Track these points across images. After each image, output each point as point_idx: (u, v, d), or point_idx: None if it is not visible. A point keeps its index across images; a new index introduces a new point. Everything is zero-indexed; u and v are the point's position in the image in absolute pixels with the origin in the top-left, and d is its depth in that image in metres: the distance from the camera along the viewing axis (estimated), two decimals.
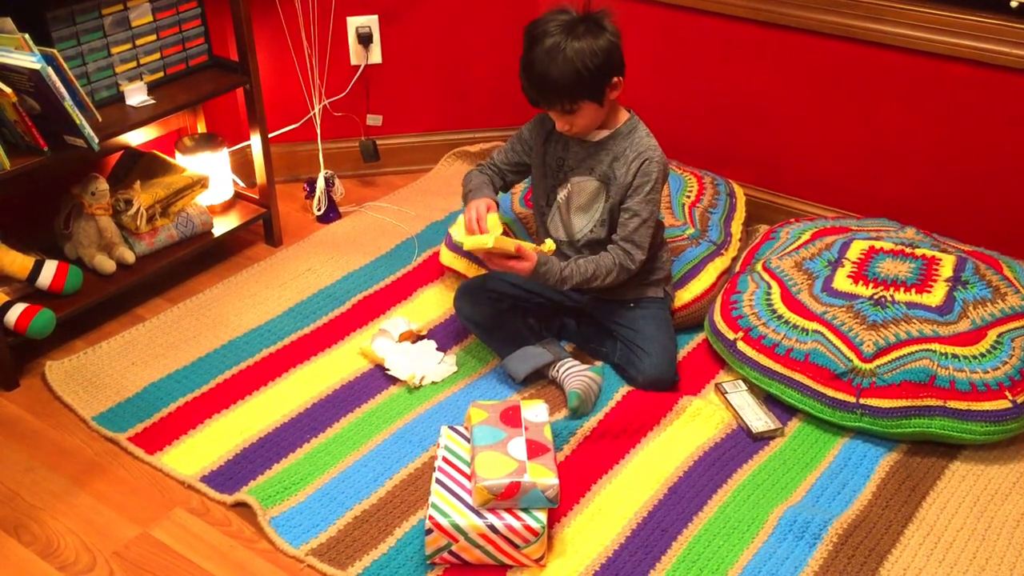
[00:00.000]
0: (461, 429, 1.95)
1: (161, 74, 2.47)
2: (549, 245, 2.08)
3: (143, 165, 2.58)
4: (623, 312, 2.22)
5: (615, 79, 2.04)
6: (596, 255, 2.13)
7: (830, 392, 2.04)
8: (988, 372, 1.98)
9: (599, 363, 2.24)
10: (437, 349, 2.31)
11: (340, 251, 2.71)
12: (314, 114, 2.93)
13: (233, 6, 2.44)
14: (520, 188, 2.63)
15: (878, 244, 2.28)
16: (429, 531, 1.74)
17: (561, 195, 2.20)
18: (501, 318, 2.22)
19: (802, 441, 2.06)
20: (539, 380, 2.20)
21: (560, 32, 1.99)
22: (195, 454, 2.03)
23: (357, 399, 2.18)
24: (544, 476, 1.73)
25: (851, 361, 2.02)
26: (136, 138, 2.59)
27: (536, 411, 1.91)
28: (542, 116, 2.22)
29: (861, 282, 2.17)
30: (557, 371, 2.16)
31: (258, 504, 1.88)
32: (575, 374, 2.12)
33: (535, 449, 1.80)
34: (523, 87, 2.08)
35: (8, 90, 2.03)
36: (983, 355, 2.00)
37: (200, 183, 2.57)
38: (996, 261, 2.26)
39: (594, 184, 2.15)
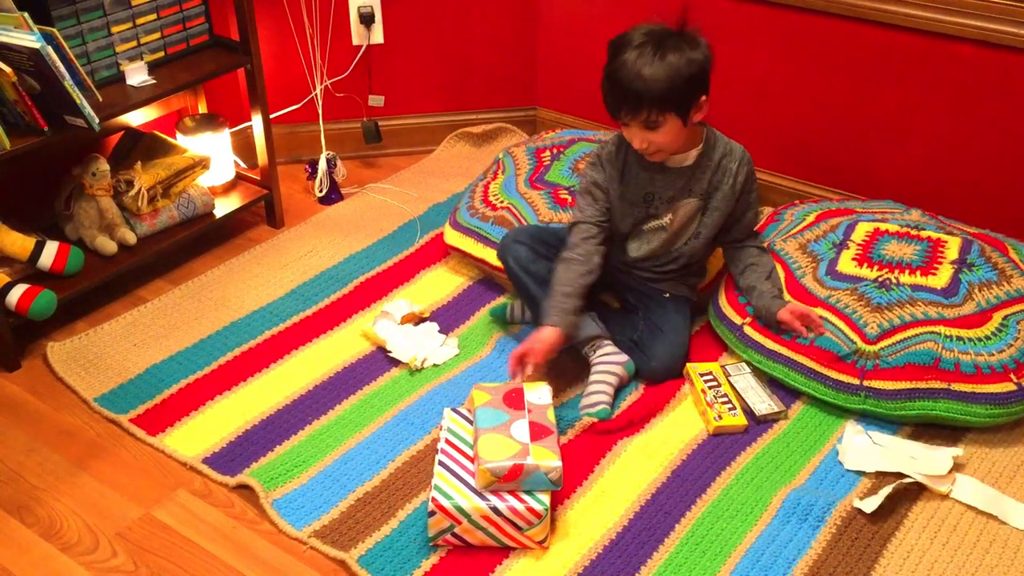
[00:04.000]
0: (464, 411, 1.94)
1: (162, 54, 2.45)
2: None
3: (144, 146, 2.57)
4: (658, 298, 2.20)
5: (703, 98, 1.96)
6: (756, 270, 2.17)
7: (834, 374, 2.03)
8: (993, 354, 1.97)
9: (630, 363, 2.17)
10: (439, 332, 2.30)
11: (342, 233, 2.70)
12: (316, 95, 2.91)
13: None
14: (524, 169, 2.62)
15: (883, 226, 2.26)
16: (432, 513, 1.74)
17: (653, 225, 2.14)
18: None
19: (806, 424, 2.05)
20: (568, 360, 2.16)
21: (652, 39, 1.91)
22: (197, 436, 2.02)
23: (359, 381, 2.17)
24: (547, 458, 1.73)
25: (855, 343, 2.01)
26: (137, 118, 2.57)
27: (539, 394, 1.90)
28: (603, 155, 2.12)
29: (866, 264, 2.16)
30: (594, 351, 2.12)
31: (260, 486, 1.88)
32: (606, 363, 2.09)
33: (538, 431, 1.80)
34: (606, 95, 1.97)
35: (8, 69, 2.02)
36: (988, 337, 1.99)
37: (201, 164, 2.56)
38: (1002, 243, 2.25)
39: (695, 203, 2.11)
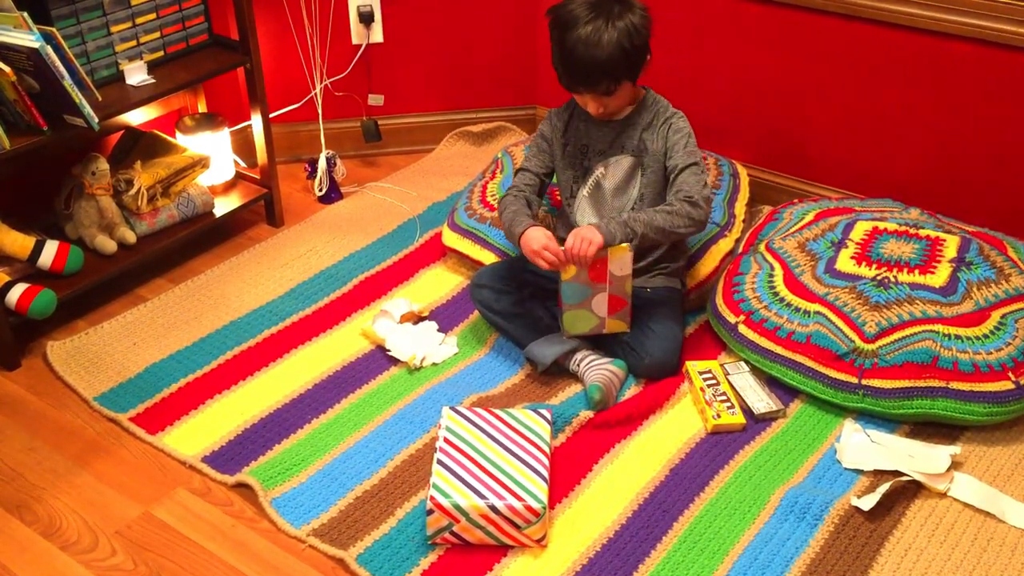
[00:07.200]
0: (463, 410, 1.95)
1: (161, 53, 2.45)
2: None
3: (144, 145, 2.57)
4: (639, 294, 2.19)
5: (648, 57, 2.06)
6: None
7: (832, 373, 2.03)
8: (991, 353, 1.97)
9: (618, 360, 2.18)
10: (438, 330, 2.31)
11: (342, 231, 2.70)
12: (315, 94, 2.91)
13: None
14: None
15: (882, 225, 2.26)
16: (430, 511, 1.74)
17: (588, 184, 2.17)
18: (523, 306, 2.20)
19: (804, 422, 2.05)
20: (560, 372, 2.17)
21: (595, 12, 1.97)
22: (196, 435, 2.03)
23: (358, 380, 2.17)
24: (619, 329, 2.12)
25: (853, 341, 2.02)
26: (136, 118, 2.57)
27: (622, 263, 2.02)
28: (554, 110, 2.22)
29: (864, 263, 2.16)
30: (578, 364, 2.14)
31: (259, 485, 1.89)
32: (596, 367, 2.11)
33: (615, 304, 2.08)
34: (559, 73, 2.06)
35: (7, 69, 2.02)
36: (986, 336, 1.99)
37: (201, 163, 2.56)
38: (1000, 242, 2.25)
39: (629, 160, 2.15)
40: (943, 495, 1.87)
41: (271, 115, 2.75)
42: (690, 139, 2.13)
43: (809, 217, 2.38)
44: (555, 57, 2.06)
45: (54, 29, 2.11)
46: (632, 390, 2.14)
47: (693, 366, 2.15)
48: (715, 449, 1.99)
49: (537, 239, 2.03)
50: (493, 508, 1.73)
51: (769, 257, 2.27)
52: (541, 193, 2.26)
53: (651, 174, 2.15)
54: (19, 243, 2.26)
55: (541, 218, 2.48)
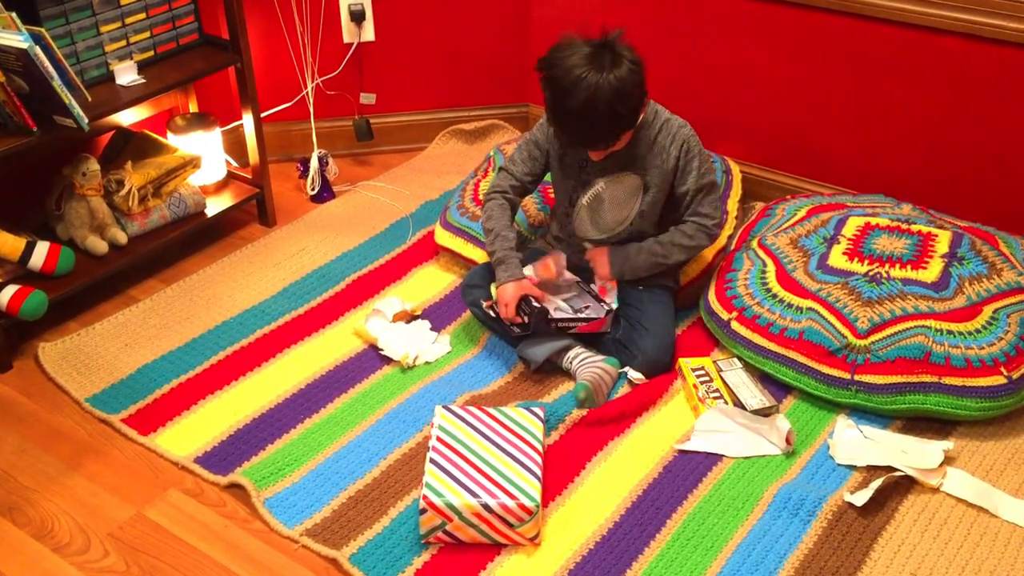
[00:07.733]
0: (456, 408, 1.94)
1: (151, 53, 2.44)
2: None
3: (134, 145, 2.57)
4: (632, 292, 2.20)
5: (645, 100, 2.04)
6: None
7: (825, 369, 2.03)
8: (983, 348, 1.97)
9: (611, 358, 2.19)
10: (431, 329, 2.30)
11: (334, 231, 2.70)
12: (307, 93, 2.91)
13: None
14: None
15: (874, 220, 2.26)
16: (423, 511, 1.74)
17: (588, 195, 2.16)
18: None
19: (797, 418, 2.05)
20: (553, 370, 2.17)
21: (585, 77, 1.92)
22: (189, 435, 2.02)
23: (351, 379, 2.17)
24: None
25: (846, 337, 2.02)
26: (127, 118, 2.56)
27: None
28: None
29: (856, 259, 2.16)
30: (570, 362, 2.14)
31: (252, 485, 1.88)
32: (588, 365, 2.11)
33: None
34: (561, 135, 2.08)
35: None
36: (978, 331, 1.99)
37: (192, 163, 2.56)
38: (992, 237, 2.25)
39: (632, 179, 2.13)
40: (936, 490, 1.88)
41: (262, 114, 2.75)
42: (701, 158, 2.13)
43: (801, 213, 2.38)
44: (549, 116, 2.06)
45: (43, 29, 2.11)
46: (625, 387, 2.13)
47: (686, 363, 2.15)
48: None
49: (512, 295, 2.10)
50: (486, 506, 1.73)
51: (761, 253, 2.27)
52: (524, 195, 2.28)
53: (655, 192, 2.14)
54: (10, 244, 2.25)
55: (533, 215, 2.48)
